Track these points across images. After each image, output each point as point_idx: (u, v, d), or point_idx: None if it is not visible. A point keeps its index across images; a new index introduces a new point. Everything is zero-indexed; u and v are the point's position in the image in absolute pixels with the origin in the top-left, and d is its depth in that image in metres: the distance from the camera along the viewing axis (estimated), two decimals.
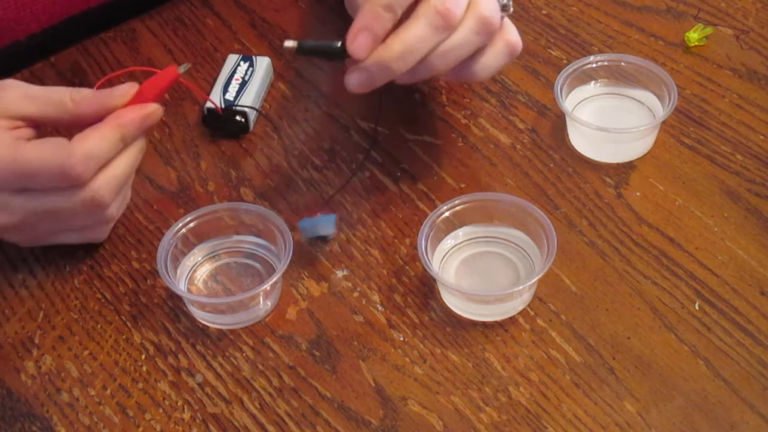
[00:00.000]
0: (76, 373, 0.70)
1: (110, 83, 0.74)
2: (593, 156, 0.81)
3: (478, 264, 0.74)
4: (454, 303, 0.72)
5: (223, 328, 0.72)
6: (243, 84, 0.84)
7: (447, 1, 0.67)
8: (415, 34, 0.67)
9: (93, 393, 0.69)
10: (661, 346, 0.69)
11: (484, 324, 0.71)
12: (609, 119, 0.82)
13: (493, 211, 0.74)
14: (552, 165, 0.80)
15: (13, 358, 0.71)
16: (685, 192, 0.78)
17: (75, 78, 0.89)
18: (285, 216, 0.75)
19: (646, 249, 0.74)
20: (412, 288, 0.73)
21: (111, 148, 0.70)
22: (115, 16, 0.94)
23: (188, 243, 0.74)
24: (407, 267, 0.74)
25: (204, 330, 0.72)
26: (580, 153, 0.81)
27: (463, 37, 0.69)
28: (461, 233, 0.75)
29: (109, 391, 0.69)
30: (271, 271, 0.74)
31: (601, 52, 0.89)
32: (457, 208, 0.74)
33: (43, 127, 0.72)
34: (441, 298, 0.72)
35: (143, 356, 0.70)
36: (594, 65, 0.83)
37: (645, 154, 0.81)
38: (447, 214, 0.73)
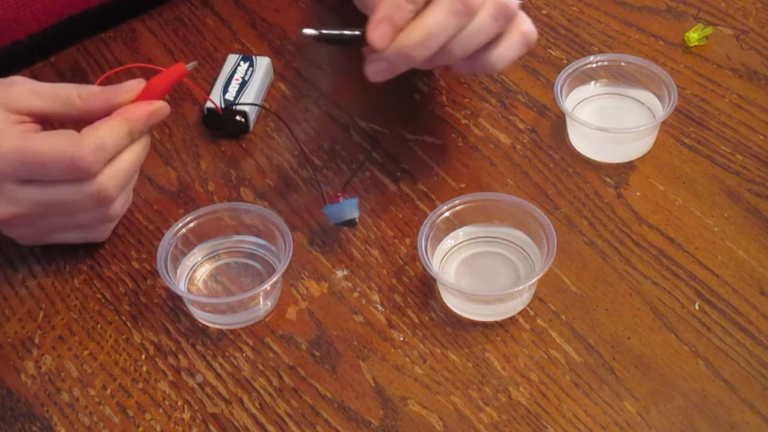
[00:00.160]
0: (76, 373, 0.70)
1: (110, 81, 0.74)
2: (593, 156, 0.81)
3: (478, 264, 0.74)
4: (454, 303, 0.72)
5: (223, 328, 0.72)
6: (243, 84, 0.84)
7: None
8: (436, 21, 0.67)
9: (93, 393, 0.69)
10: (661, 346, 0.69)
11: (484, 324, 0.71)
12: (609, 119, 0.82)
13: (493, 211, 0.74)
14: (552, 165, 0.80)
15: (13, 358, 0.71)
16: (685, 192, 0.78)
17: (75, 78, 0.89)
18: (285, 216, 0.75)
19: (646, 249, 0.74)
20: (412, 288, 0.73)
21: (120, 141, 0.70)
22: (115, 16, 0.94)
23: (188, 243, 0.74)
24: (407, 267, 0.74)
25: (204, 330, 0.72)
26: (580, 153, 0.81)
27: (482, 22, 0.68)
28: (461, 233, 0.74)
29: (109, 391, 0.69)
30: (271, 271, 0.74)
31: (601, 52, 0.89)
32: (457, 208, 0.74)
33: (49, 124, 0.72)
34: (441, 298, 0.72)
35: (143, 356, 0.70)
36: (594, 65, 0.83)
37: (645, 154, 0.81)
38: (447, 214, 0.73)
